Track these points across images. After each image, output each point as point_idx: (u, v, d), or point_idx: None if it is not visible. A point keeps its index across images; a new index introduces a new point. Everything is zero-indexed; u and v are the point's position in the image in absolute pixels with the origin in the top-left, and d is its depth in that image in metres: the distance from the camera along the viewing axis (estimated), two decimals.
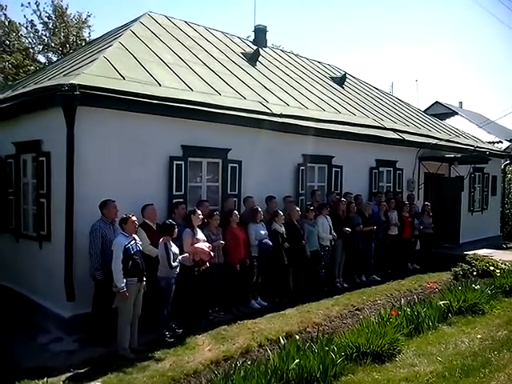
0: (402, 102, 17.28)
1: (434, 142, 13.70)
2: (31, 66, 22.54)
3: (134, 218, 6.28)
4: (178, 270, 6.71)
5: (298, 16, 61.39)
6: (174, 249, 6.64)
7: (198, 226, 7.35)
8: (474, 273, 11.02)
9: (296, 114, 10.03)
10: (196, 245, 7.01)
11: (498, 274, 10.57)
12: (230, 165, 8.73)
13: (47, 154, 7.35)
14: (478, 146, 16.08)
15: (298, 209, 9.16)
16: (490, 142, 19.90)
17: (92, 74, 7.16)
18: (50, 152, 7.30)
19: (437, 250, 12.86)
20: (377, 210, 11.05)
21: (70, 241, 6.70)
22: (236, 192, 8.83)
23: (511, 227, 20.43)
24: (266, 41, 14.90)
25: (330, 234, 9.59)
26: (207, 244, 7.16)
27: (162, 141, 7.73)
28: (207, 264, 7.17)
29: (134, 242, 6.23)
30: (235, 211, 8.15)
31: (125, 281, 5.99)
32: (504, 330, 7.35)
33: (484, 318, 7.96)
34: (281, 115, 9.55)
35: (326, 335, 6.70)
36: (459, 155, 13.98)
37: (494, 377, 5.64)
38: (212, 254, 7.15)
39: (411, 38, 68.38)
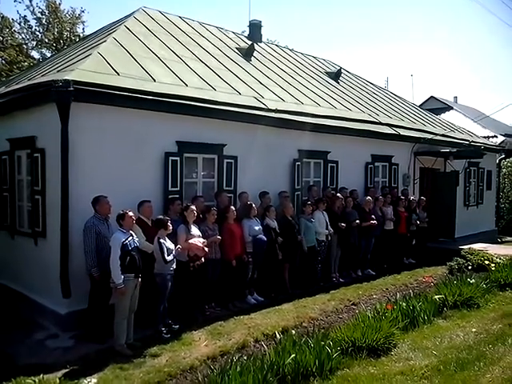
0: (398, 96, 17.28)
1: (430, 136, 13.71)
2: (25, 62, 22.42)
3: (130, 214, 6.27)
4: (174, 265, 6.72)
5: (292, 11, 61.29)
6: (169, 244, 6.65)
7: (195, 222, 7.35)
8: (469, 267, 11.04)
9: (291, 110, 10.02)
10: (190, 240, 7.01)
11: (493, 268, 10.60)
12: (225, 160, 8.72)
13: (42, 150, 7.31)
14: (473, 141, 16.11)
15: (291, 205, 9.17)
16: (484, 137, 19.94)
17: (86, 70, 7.12)
18: (45, 148, 7.26)
19: (432, 245, 12.90)
20: (372, 205, 11.05)
21: (66, 237, 6.69)
22: (232, 188, 8.82)
23: (506, 221, 20.54)
24: (261, 36, 14.83)
25: (327, 229, 9.62)
26: (201, 239, 7.16)
27: (157, 137, 7.71)
28: (202, 259, 7.18)
29: (131, 238, 6.23)
30: (232, 207, 8.14)
31: (122, 277, 5.99)
32: (499, 323, 7.39)
33: (479, 312, 8.00)
34: (276, 110, 9.53)
35: (322, 330, 6.73)
36: (454, 150, 13.99)
37: (489, 370, 5.67)
38: (206, 249, 7.15)
39: (406, 33, 68.45)
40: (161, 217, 6.86)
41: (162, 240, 6.56)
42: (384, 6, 62.87)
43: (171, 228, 6.77)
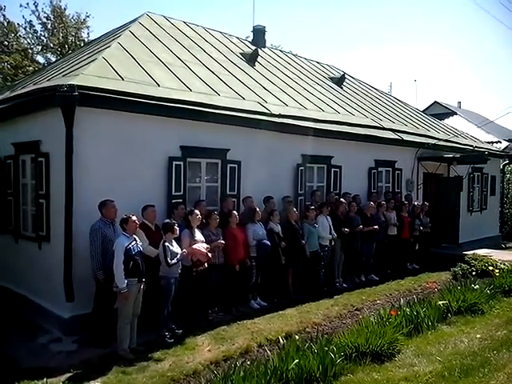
0: (401, 102, 17.29)
1: (433, 141, 13.70)
2: (30, 66, 22.55)
3: (134, 218, 6.28)
4: (179, 270, 6.73)
5: (296, 16, 61.46)
6: (175, 248, 6.66)
7: (198, 227, 7.36)
8: (473, 273, 11.02)
9: (295, 115, 10.03)
10: (194, 246, 7.02)
11: (497, 274, 10.58)
12: (229, 165, 8.73)
13: (46, 154, 7.35)
14: (476, 146, 16.09)
15: (295, 209, 9.17)
16: (488, 142, 19.90)
17: (91, 75, 7.16)
18: (49, 153, 7.30)
19: (436, 250, 12.87)
20: (375, 210, 11.04)
21: (70, 241, 6.70)
22: (235, 192, 8.83)
23: (510, 227, 20.44)
24: (265, 41, 14.87)
25: (330, 233, 9.61)
26: (205, 245, 7.17)
27: (161, 141, 7.73)
28: (205, 265, 7.17)
29: (134, 242, 6.24)
30: (234, 211, 8.15)
31: (126, 281, 5.99)
32: (503, 329, 7.35)
33: (483, 318, 7.96)
34: (279, 115, 9.55)
35: (326, 335, 6.72)
36: (458, 155, 13.98)
37: (494, 376, 5.64)
38: (210, 254, 7.15)
39: (410, 38, 68.55)
40: (168, 221, 6.88)
41: (167, 243, 6.58)
42: (384, 6, 62.97)
43: (178, 232, 6.78)
